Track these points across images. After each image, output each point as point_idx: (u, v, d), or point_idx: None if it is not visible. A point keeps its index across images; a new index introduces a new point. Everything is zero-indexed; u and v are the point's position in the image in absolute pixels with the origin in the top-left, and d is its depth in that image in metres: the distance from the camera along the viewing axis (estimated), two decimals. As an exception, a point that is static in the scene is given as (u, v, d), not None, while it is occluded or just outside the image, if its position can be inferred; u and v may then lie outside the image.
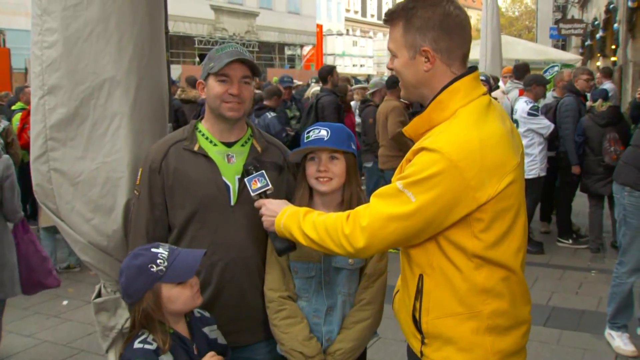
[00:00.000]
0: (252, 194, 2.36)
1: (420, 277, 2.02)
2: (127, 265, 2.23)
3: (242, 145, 2.59)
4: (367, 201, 2.06)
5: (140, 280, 2.18)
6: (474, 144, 1.85)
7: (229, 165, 2.53)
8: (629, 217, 4.72)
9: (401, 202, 1.89)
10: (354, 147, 2.51)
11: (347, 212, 2.04)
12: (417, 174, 1.86)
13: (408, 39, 2.00)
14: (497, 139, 1.91)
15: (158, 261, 2.18)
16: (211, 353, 2.27)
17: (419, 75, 2.02)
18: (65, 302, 6.06)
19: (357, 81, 14.87)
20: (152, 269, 2.17)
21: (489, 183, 1.85)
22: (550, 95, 8.11)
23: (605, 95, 7.48)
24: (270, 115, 8.08)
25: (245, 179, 2.38)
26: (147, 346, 2.16)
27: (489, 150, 1.86)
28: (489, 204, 1.87)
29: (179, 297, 2.21)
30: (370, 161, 8.21)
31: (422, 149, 1.90)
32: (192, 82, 10.44)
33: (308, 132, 2.47)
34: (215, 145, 2.54)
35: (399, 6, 2.05)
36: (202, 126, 2.59)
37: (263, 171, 2.38)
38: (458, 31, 1.99)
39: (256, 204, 2.35)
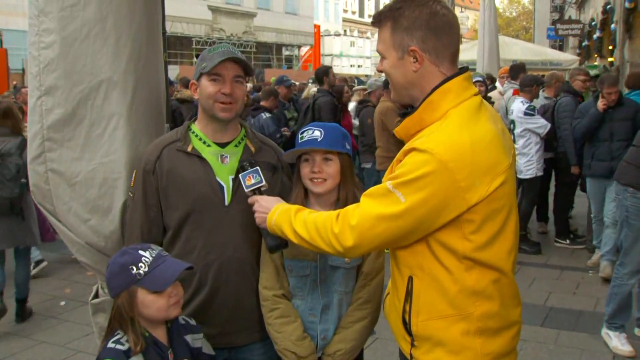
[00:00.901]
0: (246, 190, 2.36)
1: (410, 279, 2.01)
2: (113, 260, 2.27)
3: (236, 146, 2.59)
4: None
5: (119, 278, 2.21)
6: (465, 145, 1.85)
7: (223, 166, 2.53)
8: (631, 219, 4.71)
9: (391, 202, 1.88)
10: (348, 147, 2.50)
11: (337, 211, 2.04)
12: (407, 174, 1.86)
13: (396, 39, 2.00)
14: (489, 140, 1.91)
15: (139, 264, 2.19)
16: None
17: (408, 75, 2.02)
18: (62, 303, 6.05)
19: (360, 82, 14.85)
20: (132, 271, 2.19)
21: (480, 184, 1.85)
22: (541, 96, 8.09)
23: None
24: (265, 115, 8.07)
25: (240, 175, 2.38)
26: (118, 346, 2.19)
27: (480, 152, 1.86)
28: (480, 205, 1.86)
29: (152, 304, 2.21)
30: (369, 162, 8.20)
31: (413, 149, 1.89)
32: (186, 83, 10.48)
33: (302, 133, 2.47)
34: (208, 146, 2.55)
35: (386, 8, 2.05)
36: (196, 127, 2.60)
37: (258, 167, 2.38)
38: (446, 30, 1.99)
39: (249, 200, 2.35)
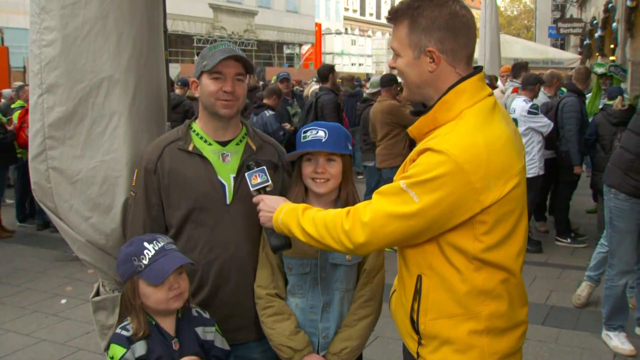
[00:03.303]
0: (252, 189, 2.34)
1: (419, 277, 2.00)
2: (121, 249, 2.35)
3: (237, 144, 2.59)
4: (362, 198, 2.02)
5: (124, 267, 2.30)
6: (480, 147, 1.83)
7: (224, 165, 2.53)
8: (615, 220, 4.75)
9: (404, 201, 1.87)
10: (350, 147, 2.50)
11: (347, 208, 2.02)
12: (422, 174, 1.84)
13: (413, 39, 1.97)
14: (503, 142, 1.89)
15: (141, 257, 2.25)
16: (192, 358, 2.30)
17: (423, 75, 1.99)
18: (63, 301, 6.06)
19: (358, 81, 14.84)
20: (134, 262, 2.26)
21: (495, 186, 1.84)
22: (542, 94, 8.06)
23: (617, 94, 7.34)
24: (268, 113, 8.08)
25: (246, 174, 2.36)
26: (123, 332, 2.29)
27: (494, 154, 1.85)
28: (493, 207, 1.85)
29: (152, 296, 2.27)
30: (371, 160, 8.20)
31: (428, 149, 1.87)
32: (185, 83, 10.63)
33: (305, 132, 2.45)
34: (209, 144, 2.55)
35: (404, 5, 2.01)
36: (196, 125, 2.60)
37: (264, 167, 2.37)
38: (464, 32, 1.96)
39: (254, 199, 2.34)
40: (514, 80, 8.98)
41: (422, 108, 2.07)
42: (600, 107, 7.71)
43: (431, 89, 2.00)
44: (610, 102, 7.22)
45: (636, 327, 5.07)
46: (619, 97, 7.24)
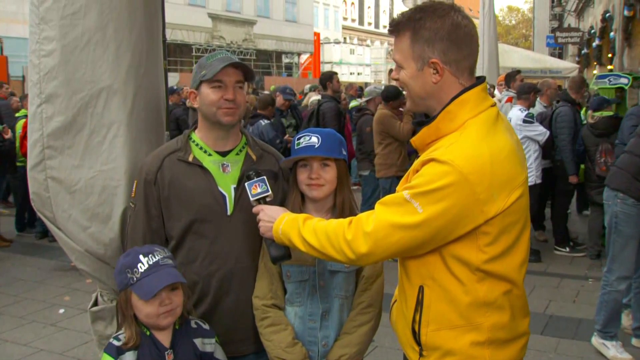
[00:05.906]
0: (251, 199, 2.33)
1: (421, 288, 1.99)
2: (119, 259, 2.36)
3: (237, 154, 2.58)
4: (359, 206, 2.01)
5: (119, 278, 2.31)
6: (484, 158, 1.83)
7: (225, 175, 2.52)
8: (620, 225, 4.71)
9: (407, 212, 1.86)
10: (345, 152, 2.49)
11: (349, 218, 2.01)
12: (426, 185, 1.83)
13: (416, 51, 1.96)
14: (507, 153, 1.89)
15: (134, 270, 2.25)
16: None
17: (427, 87, 1.98)
18: (61, 311, 6.03)
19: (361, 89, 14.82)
20: (127, 274, 2.27)
21: (498, 197, 1.83)
22: (538, 104, 8.07)
23: (599, 106, 7.36)
24: (263, 122, 8.09)
25: (246, 184, 2.35)
26: (114, 341, 2.30)
27: (498, 165, 1.84)
28: (497, 218, 1.84)
29: (143, 309, 2.27)
30: (366, 169, 8.20)
31: (432, 160, 1.86)
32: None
33: (299, 139, 2.45)
34: (209, 155, 2.53)
35: (405, 16, 2.00)
36: (196, 136, 2.58)
37: (264, 177, 2.35)
38: (467, 42, 1.95)
39: (254, 209, 2.33)
40: (509, 89, 9.01)
41: (424, 119, 2.07)
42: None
43: (434, 100, 1.99)
44: (596, 114, 7.21)
45: (632, 338, 5.05)
46: (590, 112, 7.29)
